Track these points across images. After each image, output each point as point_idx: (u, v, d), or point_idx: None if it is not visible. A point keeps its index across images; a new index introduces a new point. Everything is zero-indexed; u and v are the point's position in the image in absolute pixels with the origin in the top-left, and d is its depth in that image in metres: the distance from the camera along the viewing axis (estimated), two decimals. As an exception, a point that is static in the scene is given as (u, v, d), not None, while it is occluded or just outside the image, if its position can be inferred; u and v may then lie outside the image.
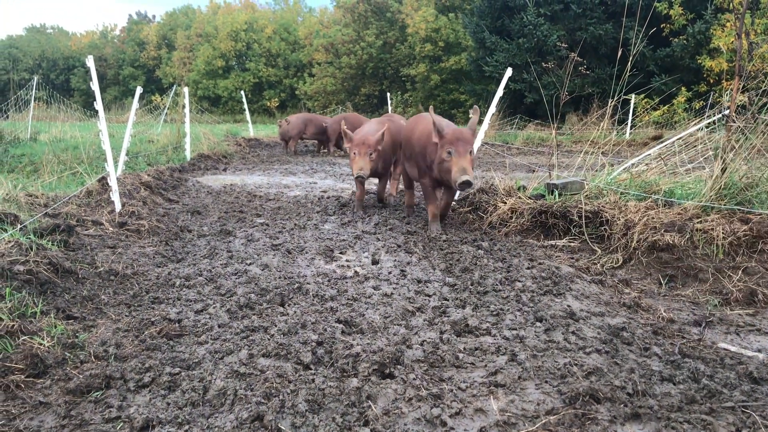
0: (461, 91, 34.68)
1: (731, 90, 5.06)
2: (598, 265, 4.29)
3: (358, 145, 5.93)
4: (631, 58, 6.11)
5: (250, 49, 46.37)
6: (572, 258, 4.52)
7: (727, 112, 4.92)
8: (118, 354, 2.57)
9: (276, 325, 2.92)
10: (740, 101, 5.42)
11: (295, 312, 3.14)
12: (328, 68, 40.82)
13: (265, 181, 9.16)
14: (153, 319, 3.00)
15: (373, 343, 2.64)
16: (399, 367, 2.47)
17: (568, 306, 3.33)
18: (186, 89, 12.38)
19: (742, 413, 2.12)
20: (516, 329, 2.95)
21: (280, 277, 3.81)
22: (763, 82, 5.09)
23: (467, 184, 4.71)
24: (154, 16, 61.37)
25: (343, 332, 2.85)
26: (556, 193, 5.59)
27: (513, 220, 5.51)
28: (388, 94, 21.68)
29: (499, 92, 7.10)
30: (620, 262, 4.30)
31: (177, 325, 2.95)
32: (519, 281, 3.80)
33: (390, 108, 20.72)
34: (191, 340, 2.78)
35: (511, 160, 11.21)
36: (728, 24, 18.68)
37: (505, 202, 5.78)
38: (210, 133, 15.04)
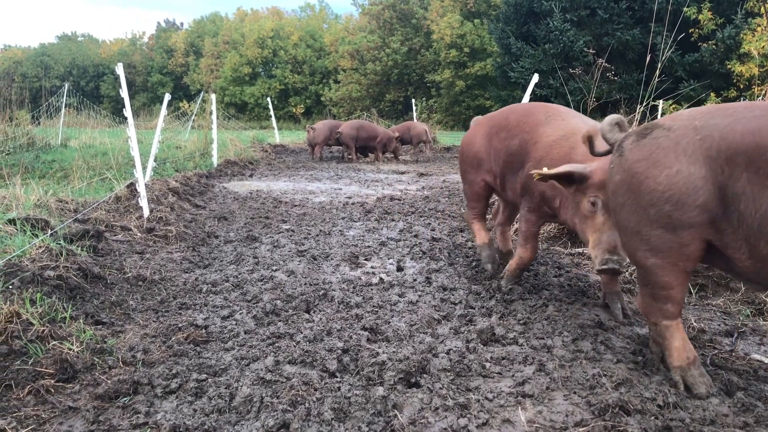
0: (486, 97, 34.59)
1: (763, 95, 4.97)
2: (627, 273, 4.23)
3: (600, 187, 2.84)
4: (660, 64, 6.04)
5: (276, 56, 46.72)
6: (600, 266, 4.46)
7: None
8: (145, 360, 2.59)
9: (302, 332, 2.92)
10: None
11: (320, 319, 3.14)
12: (353, 75, 40.97)
13: (290, 187, 9.20)
14: (180, 325, 3.01)
15: (398, 352, 2.63)
16: (425, 376, 2.45)
17: (597, 315, 3.29)
18: (213, 96, 12.49)
19: (778, 428, 2.07)
20: (544, 338, 2.92)
21: (305, 284, 3.82)
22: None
23: None
24: (182, 24, 62.19)
25: (368, 340, 2.85)
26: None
27: (539, 227, 5.46)
28: (413, 101, 21.68)
29: (526, 98, 7.06)
30: (649, 271, 4.23)
31: (204, 331, 2.96)
32: (546, 290, 3.76)
33: (415, 114, 20.70)
34: (218, 346, 2.79)
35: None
36: (759, 29, 18.39)
37: (532, 209, 5.73)
38: (237, 139, 15.17)
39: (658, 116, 15.56)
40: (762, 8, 18.10)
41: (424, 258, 4.67)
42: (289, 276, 4.02)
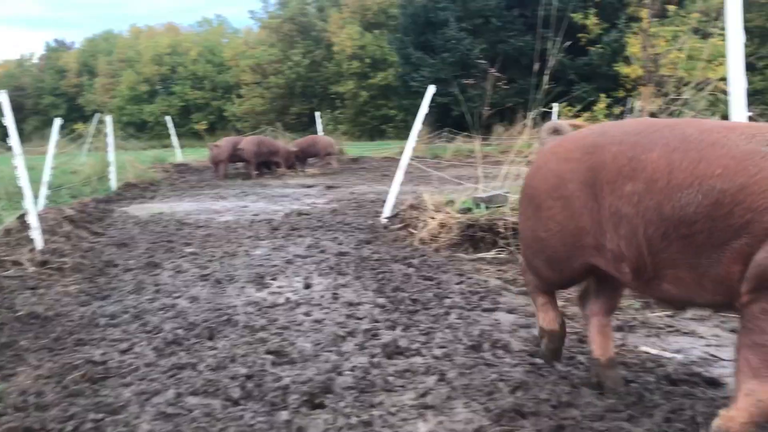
0: (390, 106, 34.98)
1: (641, 97, 5.29)
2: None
3: None
4: (547, 69, 6.30)
5: (175, 73, 45.58)
6: (500, 270, 4.61)
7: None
8: (39, 403, 2.48)
9: (204, 361, 2.88)
10: (651, 108, 5.67)
11: (224, 345, 3.10)
12: (255, 89, 40.53)
13: (194, 208, 9.02)
14: (76, 363, 2.91)
15: (302, 374, 2.63)
16: (329, 395, 2.47)
17: (496, 320, 3.40)
18: (108, 118, 12.12)
19: (661, 418, 2.20)
20: (445, 347, 2.99)
21: (208, 310, 3.75)
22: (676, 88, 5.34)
23: None
24: (73, 43, 59.57)
25: (273, 363, 2.83)
26: (483, 206, 5.69)
27: (443, 235, 5.58)
28: (317, 114, 21.64)
29: (423, 109, 7.22)
30: (546, 272, 4.40)
31: (101, 367, 2.87)
32: (448, 298, 3.85)
33: (320, 127, 20.65)
34: (116, 382, 2.71)
35: (441, 174, 11.35)
36: (640, 33, 19.45)
37: (434, 218, 5.85)
38: (136, 160, 14.72)
39: (553, 118, 16.19)
40: (641, 12, 19.15)
41: (332, 273, 4.68)
42: (191, 302, 3.94)
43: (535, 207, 2.44)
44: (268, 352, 2.96)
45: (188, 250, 5.76)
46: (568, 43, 7.40)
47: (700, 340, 3.17)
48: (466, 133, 20.32)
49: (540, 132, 2.82)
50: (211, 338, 3.25)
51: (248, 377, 2.66)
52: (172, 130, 20.20)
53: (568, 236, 2.33)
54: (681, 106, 4.99)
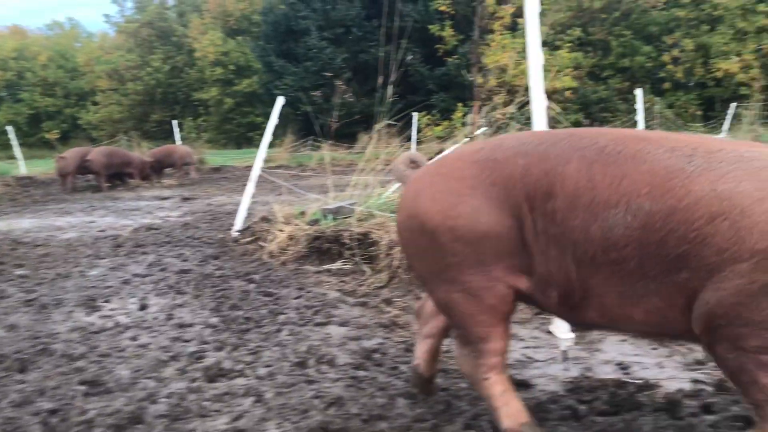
0: (257, 113, 34.57)
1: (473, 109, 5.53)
2: (365, 286, 4.46)
3: None
4: (391, 80, 6.45)
5: (22, 79, 42.66)
6: (342, 281, 4.65)
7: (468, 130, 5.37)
8: None
9: (8, 397, 2.69)
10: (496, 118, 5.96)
11: (35, 378, 2.92)
12: (112, 95, 38.81)
13: (35, 225, 8.47)
14: None
15: (110, 405, 2.53)
16: (139, 426, 2.38)
17: (327, 334, 3.43)
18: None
19: (461, 425, 2.30)
20: (271, 366, 2.97)
21: (26, 338, 3.52)
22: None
23: None
24: None
25: (86, 395, 2.70)
26: (330, 217, 5.73)
27: (291, 247, 5.56)
28: (174, 122, 20.92)
29: (273, 120, 7.18)
30: (385, 282, 4.50)
31: None
32: (283, 313, 3.83)
33: (179, 136, 19.98)
34: None
35: (287, 184, 11.28)
36: (493, 44, 20.38)
37: (283, 230, 5.82)
38: (-29, 175, 13.67)
39: (413, 126, 16.60)
40: (493, 25, 20.04)
41: (170, 293, 4.53)
42: (8, 331, 3.68)
43: (429, 235, 2.01)
44: (82, 383, 2.81)
45: (18, 272, 5.39)
46: (410, 57, 7.64)
47: (519, 343, 3.33)
48: (332, 142, 20.48)
49: (395, 165, 2.54)
50: (22, 371, 3.04)
51: (53, 412, 2.51)
52: (14, 141, 18.87)
53: (483, 250, 1.96)
54: (509, 119, 5.29)
